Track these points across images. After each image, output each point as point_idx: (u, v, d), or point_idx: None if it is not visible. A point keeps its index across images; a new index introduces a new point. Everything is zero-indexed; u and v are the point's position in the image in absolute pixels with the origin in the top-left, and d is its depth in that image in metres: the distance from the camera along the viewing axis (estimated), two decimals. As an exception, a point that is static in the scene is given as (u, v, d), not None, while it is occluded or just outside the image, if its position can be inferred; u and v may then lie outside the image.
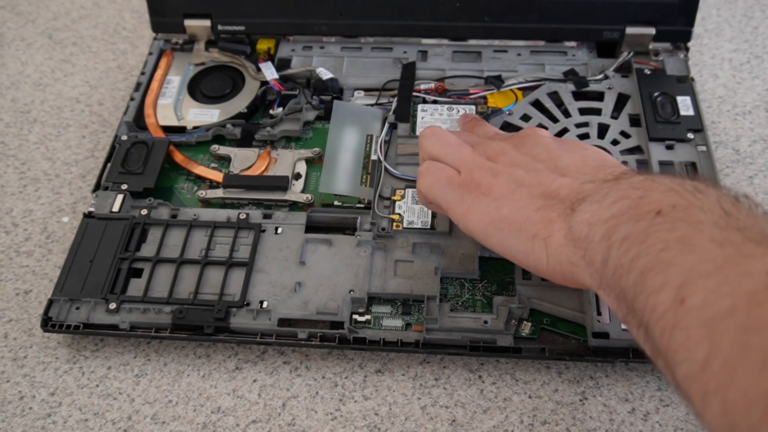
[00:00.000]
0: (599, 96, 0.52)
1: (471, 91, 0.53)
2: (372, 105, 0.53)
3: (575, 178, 0.34)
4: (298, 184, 0.49)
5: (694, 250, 0.25)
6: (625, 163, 0.46)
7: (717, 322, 0.22)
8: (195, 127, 0.52)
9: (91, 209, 0.47)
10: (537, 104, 0.51)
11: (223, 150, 0.51)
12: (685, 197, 0.27)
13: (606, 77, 0.53)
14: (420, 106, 0.52)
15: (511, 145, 0.38)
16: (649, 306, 0.26)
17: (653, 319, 0.25)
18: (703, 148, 0.47)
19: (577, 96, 0.52)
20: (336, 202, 0.47)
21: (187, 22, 0.57)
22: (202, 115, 0.53)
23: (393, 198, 0.46)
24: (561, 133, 0.49)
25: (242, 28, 0.57)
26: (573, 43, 0.56)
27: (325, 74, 0.53)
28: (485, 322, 0.40)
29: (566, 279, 0.33)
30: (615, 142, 0.49)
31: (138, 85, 0.55)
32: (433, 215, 0.45)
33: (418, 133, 0.50)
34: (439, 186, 0.38)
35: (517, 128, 0.49)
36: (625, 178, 0.31)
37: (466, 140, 0.40)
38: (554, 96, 0.52)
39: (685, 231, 0.26)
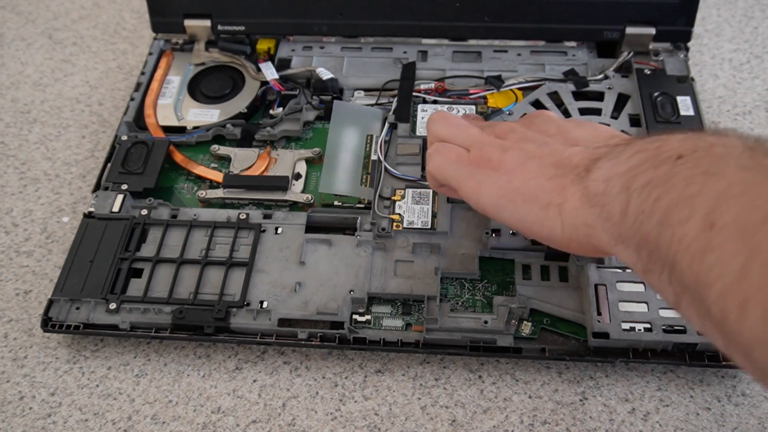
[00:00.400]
0: (599, 96, 0.52)
1: (471, 91, 0.53)
2: (372, 105, 0.53)
3: (587, 147, 0.34)
4: (298, 184, 0.49)
5: (721, 179, 0.24)
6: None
7: (753, 231, 0.22)
8: (195, 127, 0.52)
9: (91, 209, 0.47)
10: (537, 104, 0.51)
11: (223, 150, 0.51)
12: (705, 140, 0.26)
13: (606, 77, 0.53)
14: (420, 106, 0.52)
15: (520, 124, 0.38)
16: (675, 239, 0.24)
17: (681, 250, 0.24)
18: (703, 148, 0.47)
19: (577, 96, 0.52)
20: (336, 202, 0.47)
21: (187, 22, 0.57)
22: (202, 115, 0.53)
23: (393, 198, 0.46)
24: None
25: (242, 28, 0.56)
26: (573, 43, 0.56)
27: (325, 74, 0.53)
28: (485, 322, 0.40)
29: (581, 246, 0.32)
30: (615, 142, 0.49)
31: (138, 85, 0.55)
32: (433, 215, 0.45)
33: (418, 134, 0.50)
34: (448, 164, 0.38)
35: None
36: (638, 139, 0.31)
37: (474, 124, 0.40)
38: (554, 96, 0.52)
39: (709, 166, 0.25)
